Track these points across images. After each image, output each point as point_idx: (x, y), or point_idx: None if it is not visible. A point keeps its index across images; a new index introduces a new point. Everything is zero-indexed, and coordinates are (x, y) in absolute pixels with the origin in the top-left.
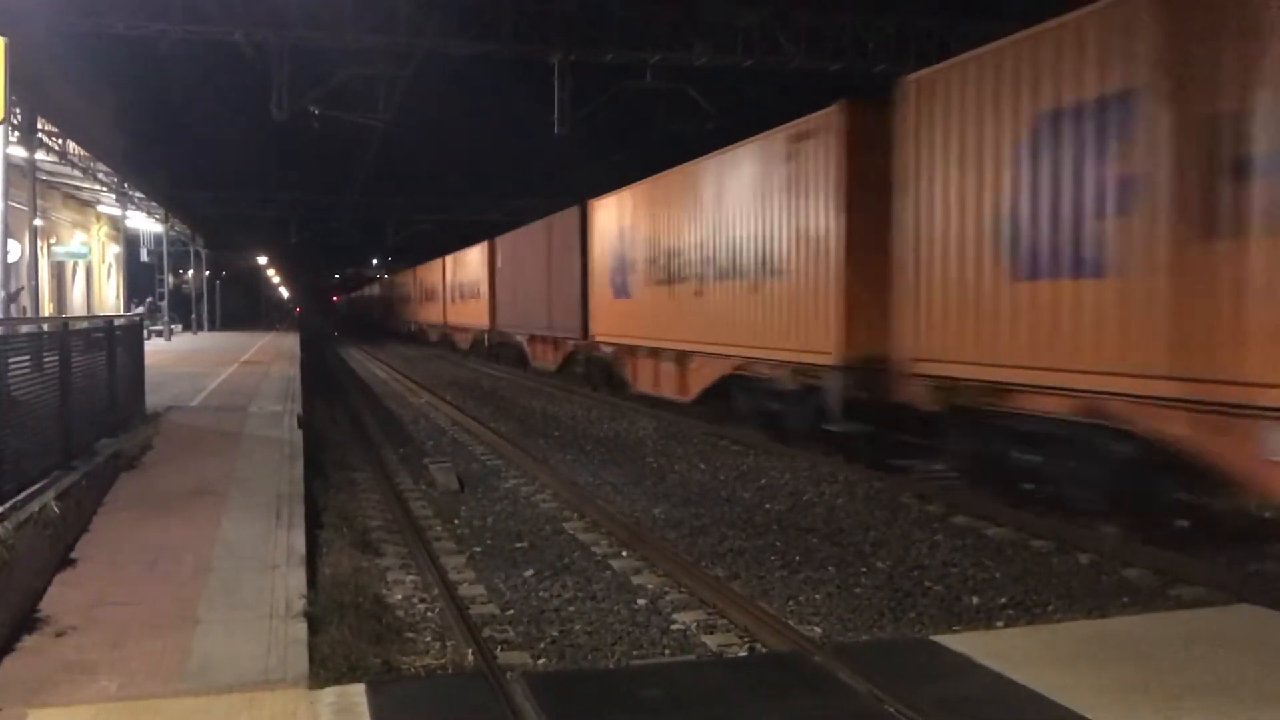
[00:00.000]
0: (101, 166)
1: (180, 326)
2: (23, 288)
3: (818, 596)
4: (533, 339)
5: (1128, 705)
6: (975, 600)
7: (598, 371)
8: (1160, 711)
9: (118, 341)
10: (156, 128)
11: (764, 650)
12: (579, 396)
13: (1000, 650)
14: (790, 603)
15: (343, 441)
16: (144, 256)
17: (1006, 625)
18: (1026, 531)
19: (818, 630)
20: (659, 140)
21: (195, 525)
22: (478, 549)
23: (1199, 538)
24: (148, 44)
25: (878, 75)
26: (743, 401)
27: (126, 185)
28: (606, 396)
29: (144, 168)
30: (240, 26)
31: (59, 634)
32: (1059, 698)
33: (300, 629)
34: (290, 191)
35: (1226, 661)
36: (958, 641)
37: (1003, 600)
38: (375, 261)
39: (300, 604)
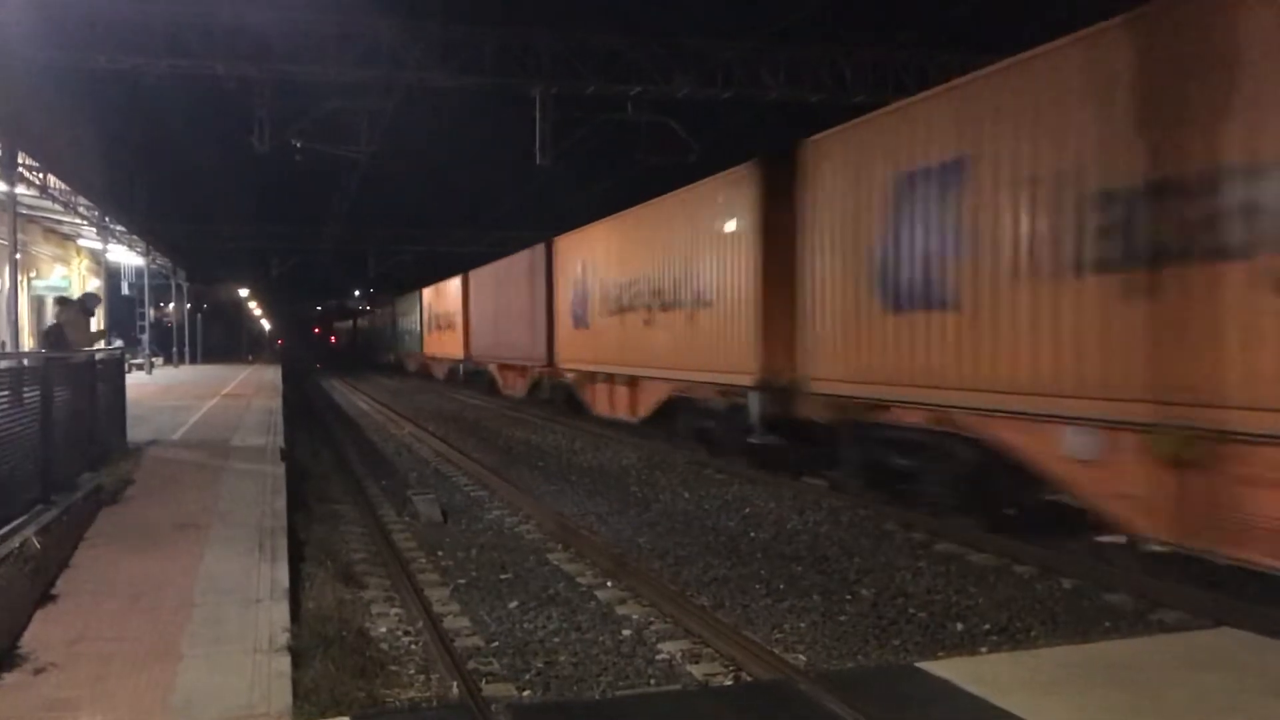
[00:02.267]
0: (82, 200)
1: (161, 360)
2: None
3: (802, 625)
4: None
5: None
6: (959, 626)
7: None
8: None
9: (99, 375)
10: (138, 161)
11: (749, 679)
12: (562, 427)
13: (985, 676)
14: (775, 631)
15: (325, 474)
16: (125, 290)
17: (990, 651)
18: (1009, 557)
19: (803, 658)
20: (641, 171)
21: (177, 560)
22: (462, 581)
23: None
24: (129, 77)
25: (856, 105)
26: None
27: (107, 219)
28: (593, 427)
29: (125, 201)
30: (222, 60)
31: (39, 670)
32: None
33: (284, 663)
34: (272, 223)
35: (1209, 685)
36: (942, 668)
37: (986, 626)
38: (357, 293)
39: (284, 638)
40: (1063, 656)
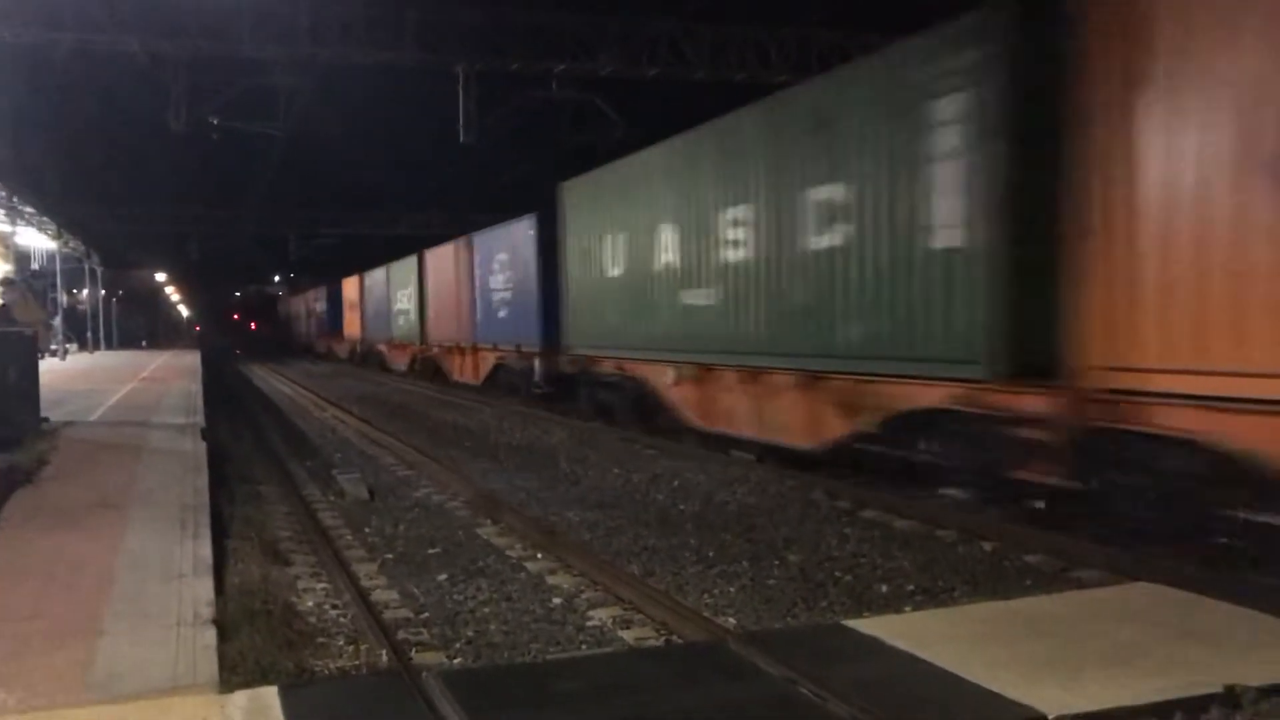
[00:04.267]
0: None
1: (75, 346)
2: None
3: (732, 589)
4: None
5: (1031, 678)
6: (884, 588)
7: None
8: (1062, 682)
9: (8, 357)
10: (48, 140)
11: (680, 641)
12: (490, 408)
13: (909, 632)
14: (705, 596)
15: (248, 455)
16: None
17: (915, 610)
18: (932, 523)
19: (732, 621)
20: (567, 149)
21: (97, 538)
22: (390, 556)
23: None
24: (38, 53)
25: (780, 85)
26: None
27: (16, 200)
28: (515, 406)
29: (35, 182)
30: (135, 36)
31: None
32: (965, 673)
33: (209, 635)
34: (189, 206)
35: (1124, 635)
36: (868, 625)
37: (910, 587)
38: (277, 279)
39: (208, 611)
40: (984, 613)
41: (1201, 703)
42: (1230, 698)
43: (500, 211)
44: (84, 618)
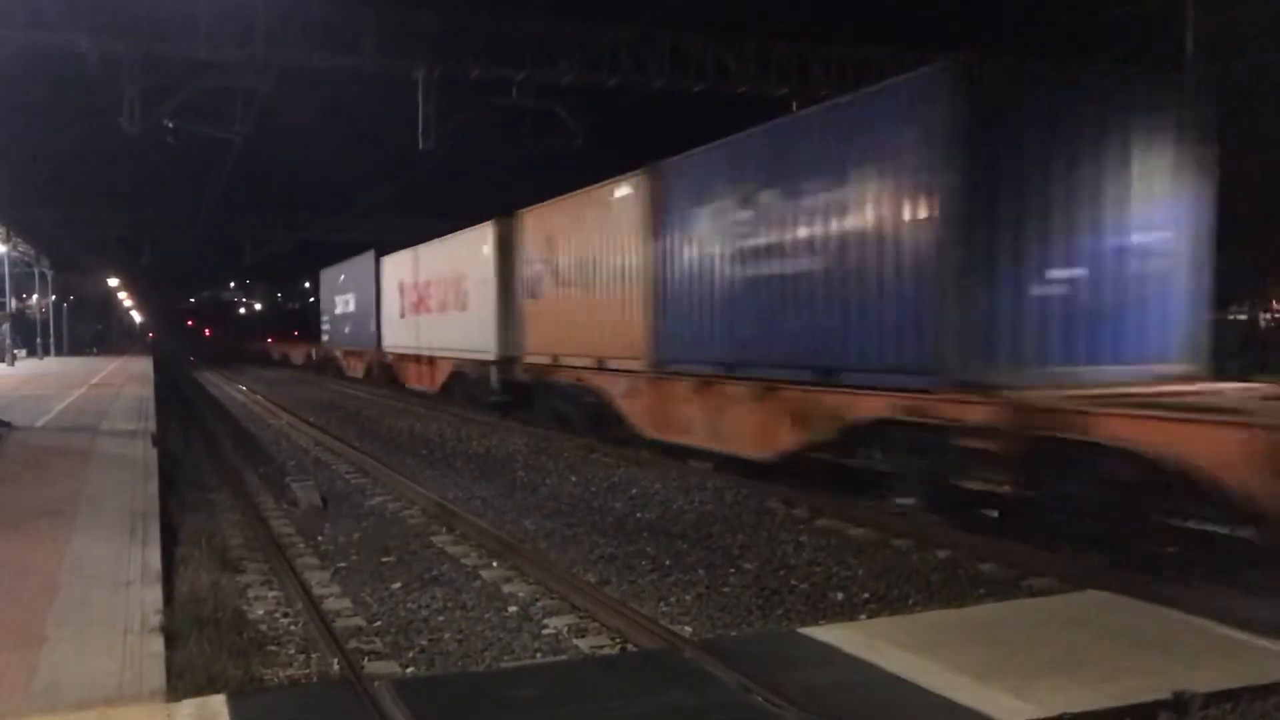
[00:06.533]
0: None
1: (24, 352)
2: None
3: (688, 597)
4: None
5: (983, 684)
6: (839, 596)
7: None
8: (1014, 688)
9: None
10: None
11: (635, 649)
12: (446, 416)
13: (863, 639)
14: (661, 604)
15: (199, 463)
16: None
17: (870, 617)
18: (888, 531)
19: (688, 629)
20: (526, 157)
21: (42, 545)
22: (343, 564)
23: None
24: None
25: (740, 96)
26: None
27: None
28: (473, 414)
29: None
30: (87, 35)
31: None
32: (918, 679)
33: (157, 643)
34: (143, 210)
35: (1075, 642)
36: (823, 633)
37: (865, 595)
38: (233, 284)
39: (156, 619)
40: (937, 620)
41: (1150, 709)
42: (1178, 704)
43: (460, 218)
44: (27, 625)
